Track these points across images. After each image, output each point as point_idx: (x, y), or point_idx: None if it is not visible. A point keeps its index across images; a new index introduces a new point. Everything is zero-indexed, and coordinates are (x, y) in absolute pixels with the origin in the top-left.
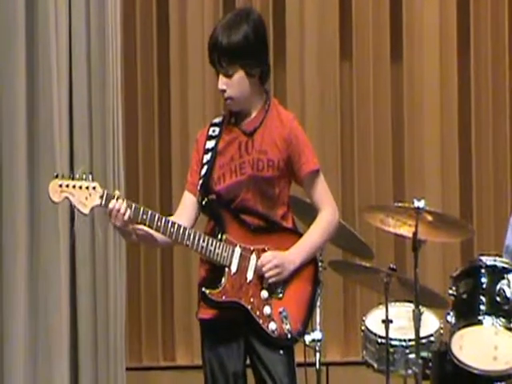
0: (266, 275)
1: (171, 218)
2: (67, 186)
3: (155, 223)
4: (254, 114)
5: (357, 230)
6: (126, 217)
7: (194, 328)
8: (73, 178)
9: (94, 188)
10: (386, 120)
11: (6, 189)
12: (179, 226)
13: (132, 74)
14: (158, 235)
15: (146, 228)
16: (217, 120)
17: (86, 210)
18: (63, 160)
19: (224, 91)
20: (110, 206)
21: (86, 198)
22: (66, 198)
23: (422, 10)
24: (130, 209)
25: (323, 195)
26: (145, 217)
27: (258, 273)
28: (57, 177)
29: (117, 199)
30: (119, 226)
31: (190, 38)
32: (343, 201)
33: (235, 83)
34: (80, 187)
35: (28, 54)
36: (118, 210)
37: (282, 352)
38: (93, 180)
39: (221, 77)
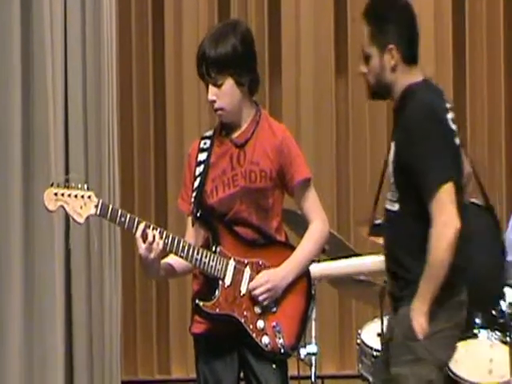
0: (260, 298)
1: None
2: (62, 194)
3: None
4: (244, 126)
5: (352, 244)
6: (161, 246)
7: (189, 341)
8: (68, 187)
9: (89, 197)
10: (381, 134)
11: (1, 197)
12: (173, 238)
13: (128, 84)
14: (176, 265)
15: (168, 260)
16: (207, 133)
17: (81, 220)
18: (58, 170)
19: (214, 102)
20: (149, 238)
21: (81, 207)
22: (61, 206)
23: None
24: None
25: (314, 205)
26: (137, 225)
27: (251, 294)
28: (52, 185)
29: (152, 229)
30: (154, 257)
31: (185, 50)
32: (338, 214)
33: (225, 93)
34: (75, 196)
35: (23, 63)
36: (151, 240)
37: (274, 366)
38: (88, 189)
39: (210, 87)
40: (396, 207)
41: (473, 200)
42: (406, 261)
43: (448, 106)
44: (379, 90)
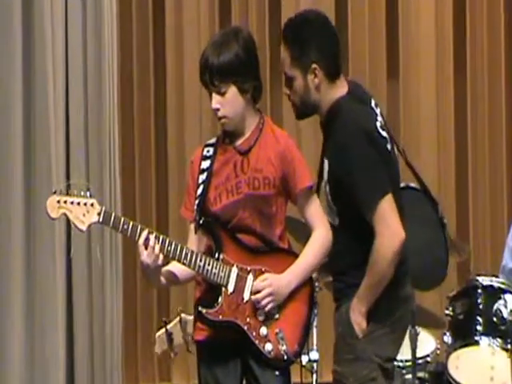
0: (262, 303)
1: None
2: (65, 202)
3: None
4: (248, 133)
5: None
6: (158, 251)
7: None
8: (71, 194)
9: (91, 205)
10: None
11: (2, 204)
12: (176, 245)
13: (128, 88)
14: (178, 272)
15: (169, 267)
16: (211, 141)
17: (84, 227)
18: (59, 176)
19: (218, 110)
20: (151, 243)
21: (84, 215)
22: (64, 214)
23: (418, 28)
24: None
25: (317, 213)
26: (139, 232)
27: (252, 300)
28: (55, 193)
29: (154, 237)
30: (156, 264)
31: (186, 57)
32: None
33: (228, 101)
34: (78, 203)
35: (24, 65)
36: (153, 247)
37: (277, 373)
38: (91, 196)
39: (214, 96)
40: (336, 221)
41: (410, 184)
42: (348, 271)
43: (376, 112)
44: (306, 110)
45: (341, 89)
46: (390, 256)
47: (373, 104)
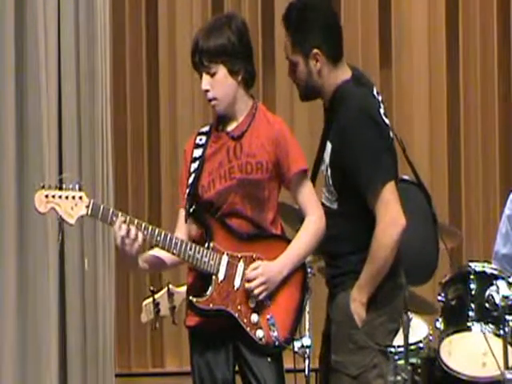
0: (255, 292)
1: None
2: (53, 196)
3: (142, 232)
4: (240, 119)
5: None
6: (141, 239)
7: (183, 334)
8: (59, 188)
9: (80, 198)
10: None
11: None
12: (166, 235)
13: (121, 82)
14: (166, 257)
15: (154, 253)
16: (203, 129)
17: (72, 221)
18: (51, 170)
19: (208, 91)
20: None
21: (72, 208)
22: (52, 208)
23: (411, 17)
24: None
25: (310, 198)
26: (129, 223)
27: (245, 288)
28: (43, 187)
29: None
30: (134, 252)
31: (179, 45)
32: None
33: (218, 81)
34: (66, 197)
35: (17, 62)
36: (134, 236)
37: (269, 359)
38: (80, 189)
39: (204, 76)
40: (335, 206)
41: (404, 177)
42: (345, 256)
43: (379, 99)
44: (310, 93)
45: (344, 73)
46: (391, 243)
47: (375, 91)
